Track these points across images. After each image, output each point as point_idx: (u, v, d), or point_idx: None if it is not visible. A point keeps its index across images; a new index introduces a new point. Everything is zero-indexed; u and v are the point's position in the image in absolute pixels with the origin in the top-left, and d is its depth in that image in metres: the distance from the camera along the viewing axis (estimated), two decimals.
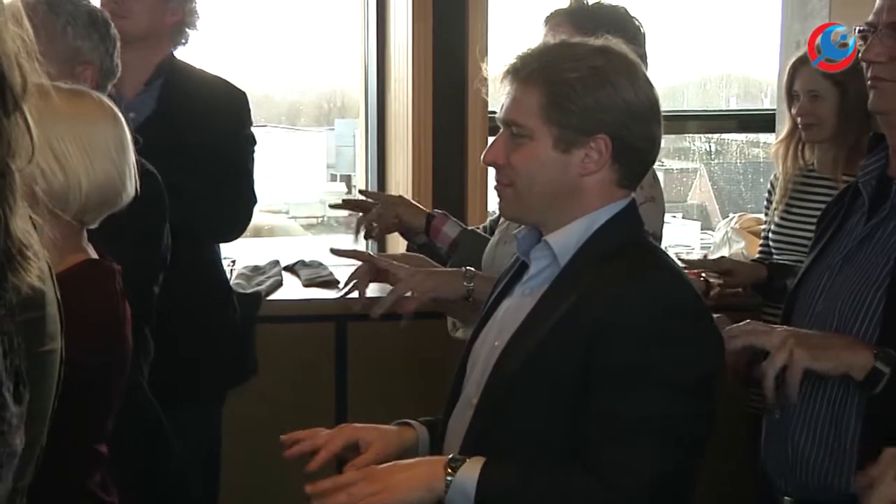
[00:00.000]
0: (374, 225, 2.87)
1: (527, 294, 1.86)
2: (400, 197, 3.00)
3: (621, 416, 1.68)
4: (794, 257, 3.23)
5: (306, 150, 6.05)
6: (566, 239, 1.82)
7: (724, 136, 5.56)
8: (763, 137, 5.15)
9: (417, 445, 1.98)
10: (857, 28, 2.08)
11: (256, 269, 3.85)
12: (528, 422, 1.77)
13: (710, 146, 5.75)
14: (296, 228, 5.79)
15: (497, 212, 2.86)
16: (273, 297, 3.62)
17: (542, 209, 1.83)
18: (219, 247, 3.17)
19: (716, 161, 5.75)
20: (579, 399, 1.71)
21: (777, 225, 3.33)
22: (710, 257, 3.96)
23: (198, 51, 3.13)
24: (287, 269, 3.91)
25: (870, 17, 2.04)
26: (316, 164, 6.09)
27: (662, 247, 2.36)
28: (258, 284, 3.67)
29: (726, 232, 4.29)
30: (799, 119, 3.23)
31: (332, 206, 2.98)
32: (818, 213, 3.16)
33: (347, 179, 5.93)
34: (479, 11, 3.94)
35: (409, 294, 2.43)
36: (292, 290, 3.74)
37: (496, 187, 1.87)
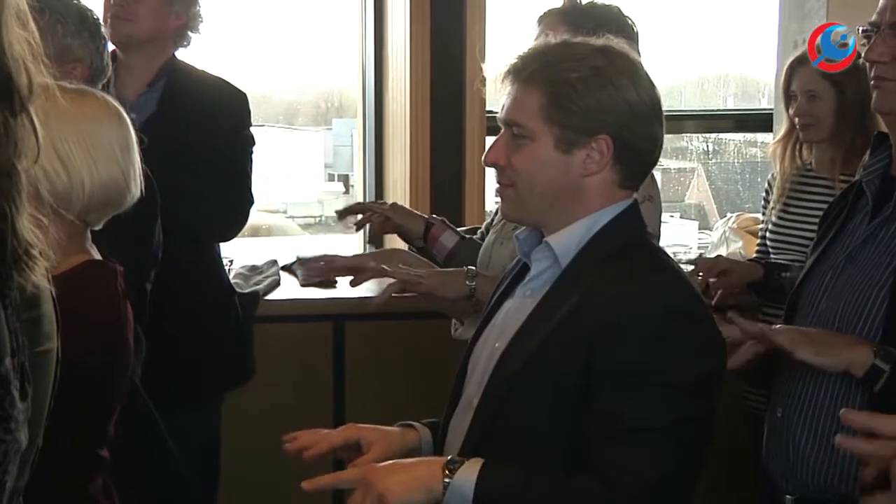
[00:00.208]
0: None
1: (528, 295, 1.86)
2: (394, 204, 3.00)
3: (623, 416, 1.68)
4: (791, 257, 3.23)
5: (304, 150, 6.06)
6: (567, 240, 1.81)
7: (722, 135, 5.57)
8: (760, 137, 5.16)
9: (420, 447, 1.97)
10: (860, 28, 2.08)
11: (254, 269, 3.85)
12: (529, 423, 1.76)
13: (707, 146, 5.76)
14: (293, 228, 5.80)
15: (493, 211, 2.87)
16: (271, 296, 3.61)
17: (544, 210, 1.82)
18: (218, 247, 3.18)
19: (713, 161, 5.76)
20: (580, 400, 1.71)
21: (774, 224, 3.33)
22: (707, 257, 3.96)
23: (197, 50, 3.14)
24: (285, 268, 3.91)
25: (873, 17, 2.03)
26: (313, 163, 6.09)
27: (660, 245, 2.36)
28: (256, 284, 3.67)
29: (724, 231, 4.29)
30: (797, 119, 3.22)
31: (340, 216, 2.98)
32: (816, 212, 3.19)
33: (345, 179, 5.93)
34: (477, 11, 3.94)
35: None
36: (290, 289, 3.74)
37: (497, 188, 1.87)
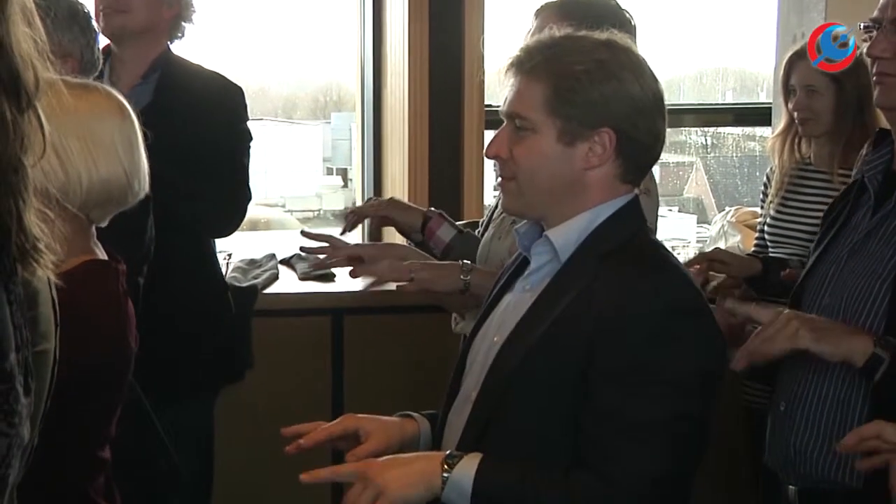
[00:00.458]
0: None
1: (527, 289, 1.86)
2: (391, 199, 2.99)
3: (622, 413, 1.67)
4: (789, 250, 3.24)
5: (302, 144, 6.06)
6: (567, 234, 1.81)
7: (721, 129, 5.58)
8: (759, 131, 5.16)
9: (419, 438, 1.97)
10: (862, 25, 2.08)
11: (252, 263, 3.85)
12: (527, 418, 1.76)
13: (706, 140, 5.77)
14: (292, 222, 5.80)
15: (492, 206, 2.86)
16: (269, 290, 3.61)
17: (545, 203, 1.82)
18: (214, 242, 3.17)
19: (712, 155, 5.77)
20: (579, 395, 1.70)
21: (773, 218, 3.33)
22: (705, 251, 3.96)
23: (195, 45, 3.13)
24: (283, 262, 3.91)
25: (874, 13, 2.03)
26: (312, 157, 6.09)
27: (660, 241, 2.36)
28: (254, 278, 3.67)
29: (722, 225, 4.29)
30: (795, 113, 3.23)
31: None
32: (814, 206, 3.20)
33: (343, 173, 5.94)
34: (476, 5, 3.94)
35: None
36: (288, 283, 3.73)
37: (498, 181, 1.86)
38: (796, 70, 3.21)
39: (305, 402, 3.54)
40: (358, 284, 2.79)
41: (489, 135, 1.88)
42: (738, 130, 5.51)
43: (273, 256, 3.91)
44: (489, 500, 1.70)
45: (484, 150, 1.87)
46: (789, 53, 3.28)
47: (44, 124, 1.15)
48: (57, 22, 2.47)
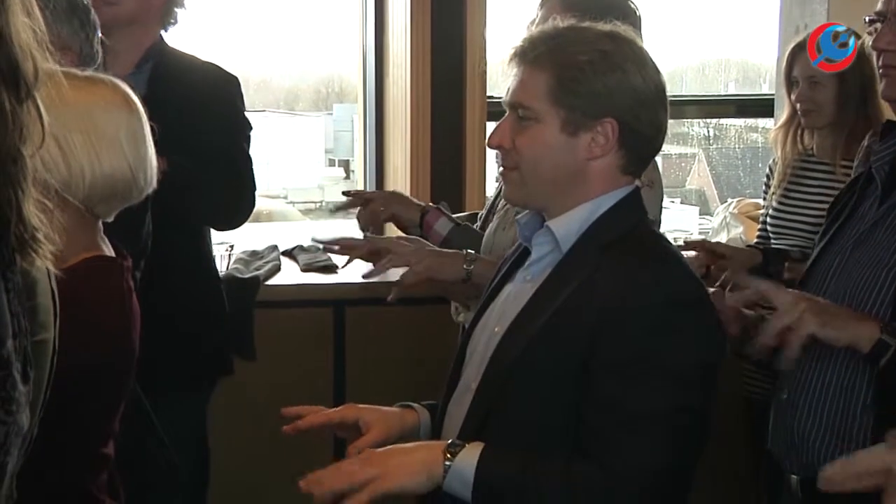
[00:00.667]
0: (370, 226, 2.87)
1: (528, 280, 1.86)
2: (393, 192, 2.98)
3: (623, 404, 1.68)
4: (791, 242, 3.24)
5: (304, 135, 6.05)
6: (568, 224, 1.81)
7: (723, 121, 5.57)
8: (762, 122, 5.16)
9: (419, 428, 1.97)
10: (867, 18, 2.08)
11: (255, 254, 3.85)
12: (527, 408, 1.76)
13: (708, 131, 5.76)
14: (294, 213, 5.80)
15: (492, 196, 2.86)
16: (271, 281, 3.62)
17: (547, 193, 1.82)
18: (210, 235, 3.13)
19: (714, 146, 5.76)
20: (579, 387, 1.70)
21: (775, 210, 3.34)
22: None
23: (196, 35, 3.10)
24: (285, 253, 3.91)
25: (879, 6, 2.04)
26: (314, 148, 6.09)
27: (661, 232, 2.36)
28: (256, 269, 3.67)
29: (725, 217, 4.29)
30: (798, 105, 3.23)
31: (337, 209, 2.95)
32: (816, 197, 3.20)
33: (346, 164, 5.93)
34: None
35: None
36: (290, 274, 3.74)
37: (501, 171, 1.86)
38: (799, 61, 3.21)
39: (307, 392, 3.54)
40: (359, 276, 2.78)
41: (491, 126, 1.88)
42: (740, 122, 5.51)
43: (275, 248, 3.92)
44: (490, 490, 1.70)
45: (486, 140, 1.86)
46: (792, 45, 3.28)
47: (43, 115, 1.15)
48: (56, 14, 2.45)
